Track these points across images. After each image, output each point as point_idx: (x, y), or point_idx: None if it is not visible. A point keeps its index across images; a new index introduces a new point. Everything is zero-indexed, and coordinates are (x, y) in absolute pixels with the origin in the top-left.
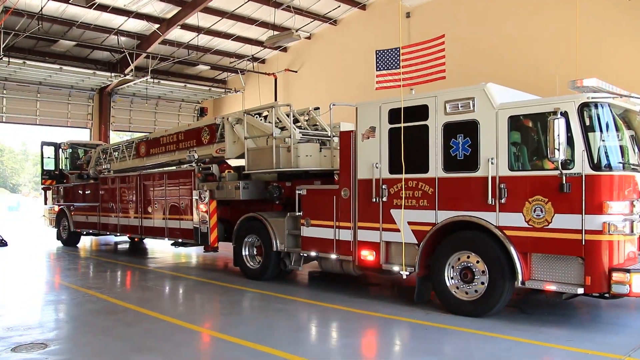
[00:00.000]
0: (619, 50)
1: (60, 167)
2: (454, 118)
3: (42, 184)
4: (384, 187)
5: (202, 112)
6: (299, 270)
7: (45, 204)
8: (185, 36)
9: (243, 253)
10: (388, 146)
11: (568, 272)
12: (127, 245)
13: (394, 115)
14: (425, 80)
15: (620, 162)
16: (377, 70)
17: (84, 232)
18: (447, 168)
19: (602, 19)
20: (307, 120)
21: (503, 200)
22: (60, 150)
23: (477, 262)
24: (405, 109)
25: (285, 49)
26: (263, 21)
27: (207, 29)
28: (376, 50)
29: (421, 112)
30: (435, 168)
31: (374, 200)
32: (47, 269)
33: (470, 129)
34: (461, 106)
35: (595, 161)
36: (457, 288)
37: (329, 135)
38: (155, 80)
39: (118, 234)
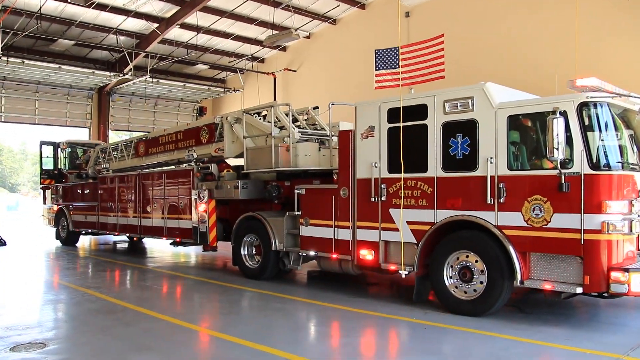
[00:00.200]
0: (618, 49)
1: (59, 167)
2: (453, 117)
3: (41, 183)
4: (383, 186)
5: (201, 111)
6: (298, 269)
7: (44, 203)
8: (184, 35)
9: (242, 252)
10: (387, 145)
11: (567, 272)
12: (126, 245)
13: (393, 114)
14: (424, 79)
15: (619, 162)
16: (376, 70)
17: (83, 232)
18: (446, 167)
19: (602, 18)
20: (306, 120)
21: (502, 200)
22: (59, 149)
23: (476, 261)
24: (404, 108)
25: (284, 49)
26: (262, 20)
27: (206, 28)
28: (375, 50)
29: (420, 111)
30: (434, 167)
31: (373, 199)
32: (46, 268)
33: (469, 128)
34: (460, 105)
35: (594, 161)
36: (456, 287)
37: (328, 134)
38: (154, 80)
39: (117, 234)
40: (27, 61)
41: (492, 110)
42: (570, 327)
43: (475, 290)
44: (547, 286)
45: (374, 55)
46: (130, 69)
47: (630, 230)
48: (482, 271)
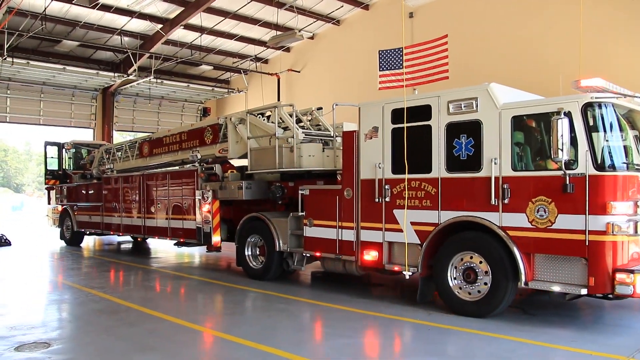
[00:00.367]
0: (623, 50)
1: (64, 167)
2: (457, 118)
3: (45, 183)
4: (386, 187)
5: (205, 112)
6: (301, 270)
7: (49, 203)
8: (189, 36)
9: (246, 253)
10: (391, 146)
11: (571, 273)
12: (130, 245)
13: (396, 115)
14: (428, 80)
15: (624, 163)
16: (380, 71)
17: (87, 232)
18: (450, 168)
19: (607, 18)
20: (310, 120)
21: (506, 201)
22: (64, 150)
23: (480, 262)
24: (408, 109)
25: (288, 49)
26: (266, 21)
27: (210, 29)
28: (379, 50)
29: (424, 112)
30: (438, 168)
31: (377, 200)
32: (50, 268)
33: (473, 129)
34: (464, 106)
35: (599, 161)
36: (460, 288)
37: (332, 135)
38: (159, 81)
39: (121, 234)
40: (32, 62)
41: (496, 111)
42: (575, 328)
43: (479, 292)
44: (552, 288)
45: (377, 56)
46: (135, 70)
47: (636, 231)
48: (486, 272)
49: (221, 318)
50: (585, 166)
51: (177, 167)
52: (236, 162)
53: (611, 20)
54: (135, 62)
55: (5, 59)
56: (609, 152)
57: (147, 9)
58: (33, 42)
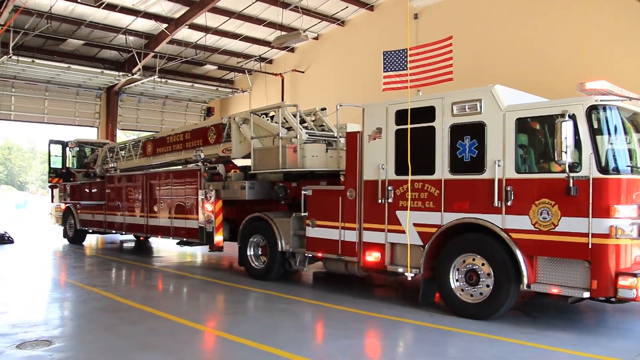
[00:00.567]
0: (628, 52)
1: (68, 166)
2: (461, 120)
3: (49, 182)
4: (389, 188)
5: (209, 111)
6: (303, 270)
7: (52, 201)
8: (193, 36)
9: (248, 253)
10: (394, 147)
11: (574, 276)
12: (132, 244)
13: (400, 116)
14: (432, 81)
15: (628, 166)
16: (384, 72)
17: (90, 231)
18: (453, 170)
19: (612, 21)
20: (313, 121)
21: (509, 203)
22: (68, 148)
23: (483, 264)
24: (412, 110)
25: (292, 50)
26: (271, 21)
27: (215, 29)
28: (384, 52)
29: (428, 113)
30: (442, 170)
31: (380, 201)
32: (53, 266)
33: (477, 130)
34: (468, 108)
35: (603, 164)
36: (462, 290)
37: (336, 135)
38: (163, 80)
39: (124, 233)
40: (37, 60)
41: (500, 113)
42: (577, 332)
43: (481, 294)
44: (554, 290)
45: (382, 57)
46: (139, 69)
47: (639, 234)
48: (488, 274)
49: (223, 318)
50: (589, 169)
51: (180, 167)
52: (239, 162)
53: (616, 23)
54: (140, 62)
55: (10, 57)
56: (613, 155)
57: (152, 9)
58: (38, 40)
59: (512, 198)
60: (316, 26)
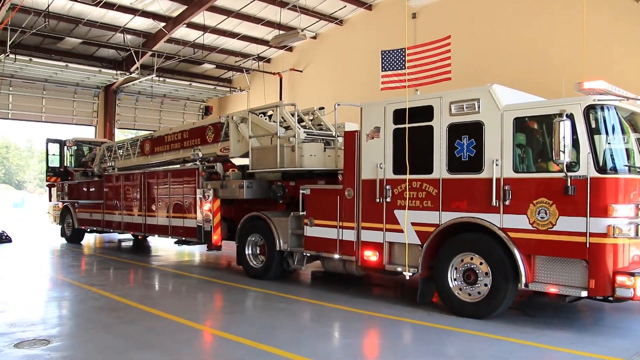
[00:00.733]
0: (626, 52)
1: (65, 165)
2: (458, 119)
3: (46, 180)
4: (387, 187)
5: (207, 110)
6: (302, 269)
7: (50, 200)
8: (191, 35)
9: (246, 252)
10: (392, 147)
11: (572, 275)
12: (130, 243)
13: (398, 115)
14: (430, 81)
15: (625, 165)
16: (382, 71)
17: (88, 230)
18: (451, 169)
19: (610, 20)
20: (311, 120)
21: (507, 202)
22: (66, 147)
23: (481, 263)
24: (410, 109)
25: (290, 49)
26: (269, 20)
27: (213, 27)
28: (382, 51)
29: (426, 112)
30: (440, 169)
31: (378, 200)
32: (51, 265)
33: (475, 130)
34: (466, 107)
35: (601, 164)
36: (460, 289)
37: (334, 135)
38: (161, 79)
39: (122, 232)
40: (34, 59)
41: (498, 112)
42: (575, 330)
43: (479, 293)
44: (552, 289)
45: (380, 56)
46: (137, 68)
47: (637, 234)
48: (486, 273)
49: (221, 317)
50: (587, 168)
51: (178, 166)
52: (237, 161)
53: (615, 23)
54: (138, 60)
55: (7, 55)
56: (611, 155)
57: (150, 7)
58: (36, 39)
59: (510, 197)
60: (314, 25)
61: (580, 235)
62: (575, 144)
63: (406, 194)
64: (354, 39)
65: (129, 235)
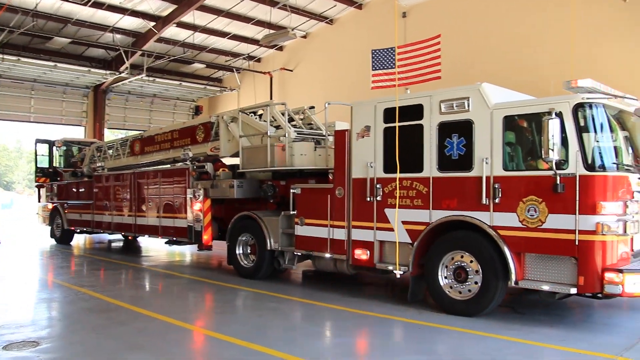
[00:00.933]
0: (614, 51)
1: (55, 165)
2: (448, 118)
3: (35, 181)
4: (378, 186)
5: (197, 110)
6: (293, 269)
7: (39, 201)
8: (181, 34)
9: (237, 252)
10: (383, 145)
11: (561, 272)
12: (121, 244)
13: (389, 114)
14: (420, 80)
15: (614, 163)
16: (373, 70)
17: (78, 230)
18: (441, 168)
19: (598, 19)
20: (302, 119)
21: (497, 200)
22: (55, 147)
23: (471, 261)
24: (400, 108)
25: (281, 48)
26: (259, 20)
27: (203, 27)
28: (372, 50)
29: (416, 111)
30: (430, 168)
31: (369, 199)
32: (40, 266)
33: (465, 128)
34: (456, 106)
35: (589, 162)
36: (451, 287)
37: (324, 134)
38: (151, 78)
39: (112, 232)
40: (22, 59)
41: (487, 111)
42: (565, 327)
43: (469, 291)
44: (542, 287)
45: (370, 56)
46: (127, 68)
47: (625, 231)
48: (476, 271)
49: (212, 317)
50: (575, 166)
51: (168, 166)
52: (228, 161)
53: (603, 22)
54: (127, 60)
55: None
56: (599, 153)
57: (139, 7)
58: (24, 38)
59: (500, 195)
60: (304, 24)
61: (569, 233)
62: (564, 142)
63: (396, 193)
64: (344, 38)
65: (119, 236)
